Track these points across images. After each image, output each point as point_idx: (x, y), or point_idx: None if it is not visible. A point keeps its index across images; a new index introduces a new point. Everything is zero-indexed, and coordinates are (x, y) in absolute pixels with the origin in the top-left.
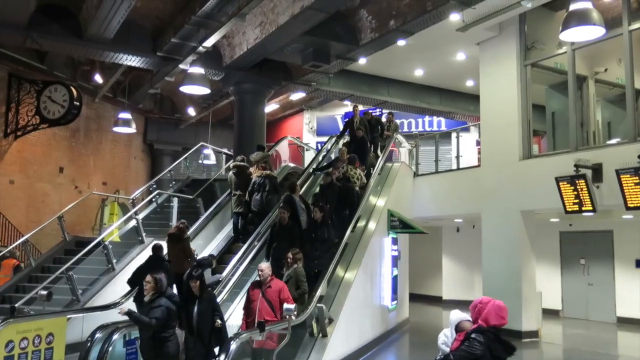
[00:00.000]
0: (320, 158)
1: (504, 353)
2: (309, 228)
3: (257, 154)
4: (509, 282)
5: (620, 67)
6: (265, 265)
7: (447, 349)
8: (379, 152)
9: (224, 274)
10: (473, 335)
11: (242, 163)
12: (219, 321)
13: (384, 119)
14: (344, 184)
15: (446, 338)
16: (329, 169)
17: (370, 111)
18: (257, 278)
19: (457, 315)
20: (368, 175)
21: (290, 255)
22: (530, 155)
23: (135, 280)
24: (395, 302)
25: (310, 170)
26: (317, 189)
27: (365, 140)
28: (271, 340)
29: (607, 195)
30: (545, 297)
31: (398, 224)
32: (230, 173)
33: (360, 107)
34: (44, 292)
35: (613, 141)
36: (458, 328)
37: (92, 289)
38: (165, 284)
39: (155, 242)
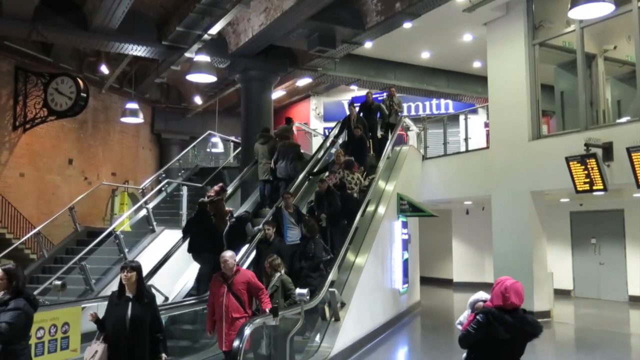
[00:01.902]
0: (321, 154)
1: (506, 334)
2: (297, 245)
3: (281, 127)
4: (520, 264)
5: (630, 45)
6: (229, 255)
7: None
8: (379, 134)
9: (260, 225)
10: (477, 316)
11: (267, 133)
12: (164, 356)
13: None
14: (341, 193)
15: (463, 319)
16: (324, 172)
17: (370, 92)
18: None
19: (476, 296)
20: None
21: (267, 264)
22: (539, 135)
23: (187, 230)
24: (406, 285)
25: (310, 168)
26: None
27: (363, 140)
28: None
29: (618, 174)
30: (556, 278)
31: (408, 208)
32: (257, 143)
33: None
34: (58, 283)
35: (623, 119)
36: (473, 309)
37: (105, 278)
38: (22, 278)
39: (201, 199)
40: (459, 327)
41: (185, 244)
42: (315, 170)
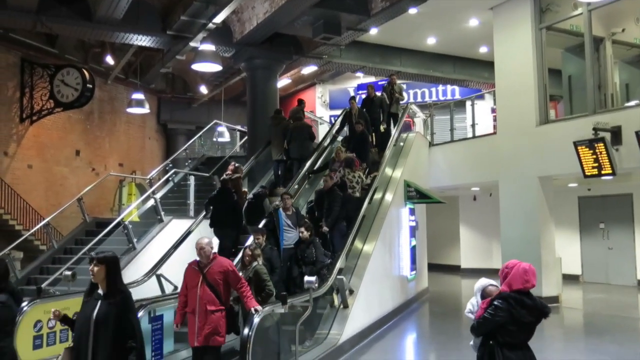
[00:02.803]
0: (327, 142)
1: (529, 317)
2: (295, 249)
3: (293, 108)
4: (528, 249)
5: (638, 27)
6: (205, 242)
7: (473, 317)
8: (382, 128)
9: (276, 202)
10: (495, 302)
11: (279, 115)
12: None
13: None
14: (343, 194)
15: (472, 306)
16: (325, 170)
17: (372, 86)
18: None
19: (482, 282)
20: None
21: (248, 252)
22: (547, 120)
23: (210, 206)
24: (414, 272)
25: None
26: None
27: (365, 135)
28: (218, 336)
29: (627, 158)
30: (564, 263)
31: (415, 195)
32: (270, 124)
33: (374, 79)
34: (69, 273)
35: (632, 103)
36: (484, 294)
37: None
38: (3, 269)
39: (222, 176)
40: (470, 315)
41: (187, 243)
42: (315, 168)
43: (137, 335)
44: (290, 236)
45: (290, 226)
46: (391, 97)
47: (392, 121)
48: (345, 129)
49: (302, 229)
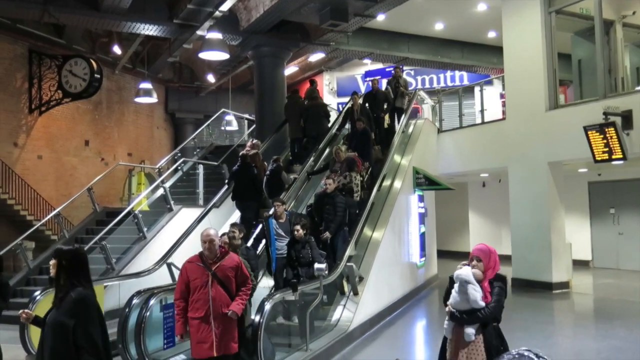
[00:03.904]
0: (335, 129)
1: None
2: (289, 250)
3: (308, 89)
4: (538, 235)
5: None
6: (213, 233)
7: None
8: (385, 124)
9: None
10: (498, 285)
11: (296, 94)
12: None
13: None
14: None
15: (474, 297)
16: (325, 171)
17: (376, 78)
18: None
19: (467, 270)
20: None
21: (226, 238)
22: (556, 105)
23: (231, 180)
24: (423, 258)
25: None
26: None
27: (367, 133)
28: (233, 342)
29: (638, 143)
30: (575, 248)
31: (424, 181)
32: (286, 104)
33: (381, 65)
34: None
35: None
36: (475, 280)
37: (126, 257)
38: None
39: (242, 152)
40: (478, 302)
41: (197, 231)
42: (315, 169)
43: (95, 346)
44: (282, 245)
45: (282, 235)
46: (396, 91)
47: (396, 116)
48: (348, 125)
49: (297, 227)
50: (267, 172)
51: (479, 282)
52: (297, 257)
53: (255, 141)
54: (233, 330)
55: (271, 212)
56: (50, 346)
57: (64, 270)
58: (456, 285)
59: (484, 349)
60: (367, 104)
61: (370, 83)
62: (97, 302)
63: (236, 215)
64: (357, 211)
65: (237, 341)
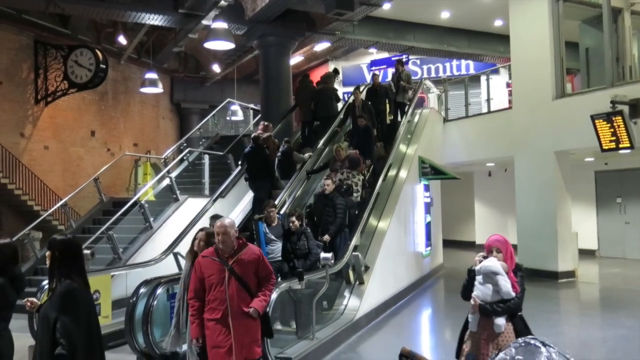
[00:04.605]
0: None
1: None
2: (285, 242)
3: (327, 73)
4: (544, 224)
5: None
6: (228, 222)
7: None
8: (388, 120)
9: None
10: (520, 275)
11: (307, 79)
12: None
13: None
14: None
15: (501, 287)
16: (325, 169)
17: (377, 72)
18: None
19: (493, 260)
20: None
21: (201, 235)
22: (563, 94)
23: (244, 161)
24: (429, 248)
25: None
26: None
27: (369, 130)
28: (257, 346)
29: None
30: (581, 238)
31: (429, 171)
32: (298, 88)
33: (387, 54)
34: (88, 252)
35: None
36: (500, 270)
37: (132, 247)
38: (9, 253)
39: (254, 134)
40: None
41: (203, 221)
42: (315, 167)
43: (68, 340)
44: (274, 248)
45: (274, 239)
46: (397, 86)
47: (399, 111)
48: (349, 122)
49: (292, 218)
50: (279, 154)
51: (506, 273)
52: (293, 249)
53: (267, 123)
54: (255, 332)
55: (260, 215)
56: (39, 337)
57: (55, 260)
58: (479, 278)
59: (515, 338)
60: (368, 100)
61: (372, 78)
62: (87, 296)
63: (241, 206)
64: (357, 212)
65: (261, 345)
